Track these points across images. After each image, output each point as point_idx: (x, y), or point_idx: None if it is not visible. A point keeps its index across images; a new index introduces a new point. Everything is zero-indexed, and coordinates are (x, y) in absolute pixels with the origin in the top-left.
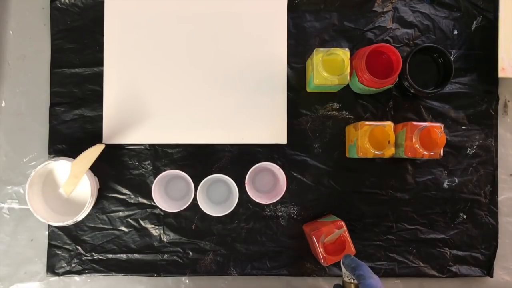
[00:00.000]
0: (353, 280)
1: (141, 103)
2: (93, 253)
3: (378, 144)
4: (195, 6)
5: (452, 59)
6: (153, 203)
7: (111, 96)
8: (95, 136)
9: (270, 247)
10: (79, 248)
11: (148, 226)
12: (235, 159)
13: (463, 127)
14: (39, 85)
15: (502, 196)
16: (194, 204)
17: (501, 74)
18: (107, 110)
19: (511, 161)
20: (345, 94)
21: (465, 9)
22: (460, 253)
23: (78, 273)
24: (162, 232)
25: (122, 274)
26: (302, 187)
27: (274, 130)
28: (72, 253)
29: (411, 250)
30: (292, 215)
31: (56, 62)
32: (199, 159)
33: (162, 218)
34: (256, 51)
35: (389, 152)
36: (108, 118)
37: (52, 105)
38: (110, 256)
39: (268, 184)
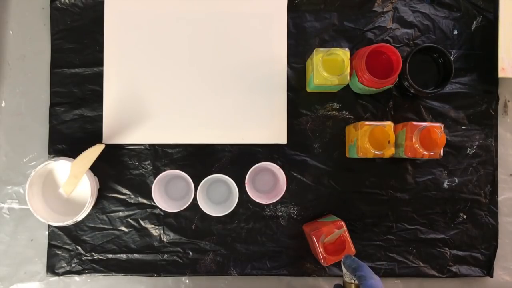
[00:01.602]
0: (354, 280)
1: (141, 103)
2: (93, 253)
3: (378, 144)
4: (195, 6)
5: (452, 59)
6: (153, 203)
7: (111, 96)
8: (95, 136)
9: (270, 247)
10: (79, 248)
11: (148, 226)
12: (235, 159)
13: (463, 127)
14: (39, 85)
15: (502, 196)
16: (194, 204)
17: (501, 74)
18: (107, 110)
19: (511, 161)
20: (345, 94)
21: (465, 9)
22: (460, 253)
23: (78, 273)
24: (162, 232)
25: (122, 274)
26: (302, 187)
27: (274, 130)
28: (72, 253)
29: (411, 250)
30: (292, 215)
31: (56, 62)
32: (199, 159)
33: (162, 218)
34: (256, 51)
35: (389, 152)
36: (108, 118)
37: (52, 105)
38: (110, 256)
39: (268, 184)
